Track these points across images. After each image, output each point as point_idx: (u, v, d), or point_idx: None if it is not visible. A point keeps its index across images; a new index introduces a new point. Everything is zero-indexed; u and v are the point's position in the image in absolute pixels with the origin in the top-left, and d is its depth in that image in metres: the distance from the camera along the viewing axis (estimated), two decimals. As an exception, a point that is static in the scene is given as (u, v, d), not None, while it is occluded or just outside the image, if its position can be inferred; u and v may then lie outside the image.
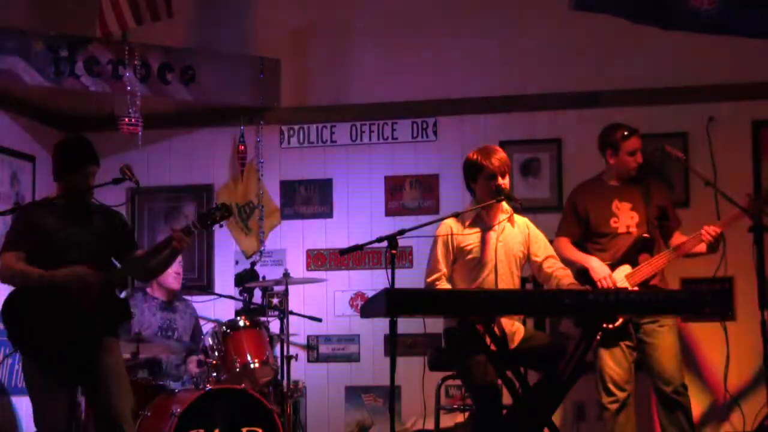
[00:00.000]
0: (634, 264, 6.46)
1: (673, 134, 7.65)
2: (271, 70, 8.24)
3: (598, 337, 5.51)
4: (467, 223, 5.97)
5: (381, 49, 8.19)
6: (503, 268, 5.92)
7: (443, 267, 5.93)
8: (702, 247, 6.51)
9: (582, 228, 6.66)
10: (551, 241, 6.41)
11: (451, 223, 5.97)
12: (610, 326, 6.18)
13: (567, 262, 6.49)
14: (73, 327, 5.48)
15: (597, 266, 6.43)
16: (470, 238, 5.95)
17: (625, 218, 6.58)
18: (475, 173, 5.96)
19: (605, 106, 7.65)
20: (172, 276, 7.50)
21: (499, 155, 5.92)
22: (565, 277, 5.92)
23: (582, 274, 6.43)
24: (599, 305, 5.13)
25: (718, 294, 7.33)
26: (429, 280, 5.93)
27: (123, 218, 5.99)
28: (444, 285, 5.89)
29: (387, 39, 8.18)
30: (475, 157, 5.96)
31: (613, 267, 6.45)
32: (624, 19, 7.25)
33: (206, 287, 8.20)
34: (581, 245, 6.64)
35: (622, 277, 6.42)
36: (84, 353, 5.53)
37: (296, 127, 8.30)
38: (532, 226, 6.12)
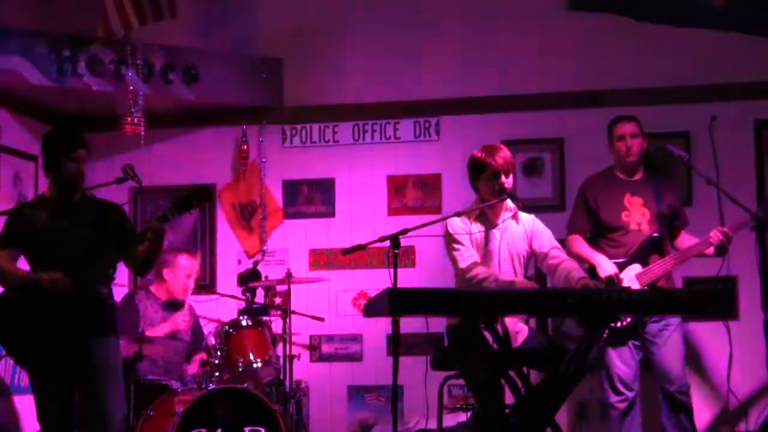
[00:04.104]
0: (644, 263, 6.46)
1: (675, 134, 7.65)
2: (274, 69, 8.24)
3: (605, 336, 5.51)
4: (471, 221, 5.95)
5: (383, 49, 8.19)
6: (507, 266, 5.91)
7: (473, 252, 5.88)
8: (710, 250, 6.51)
9: (593, 222, 6.66)
10: (562, 239, 6.41)
11: (457, 220, 5.94)
12: (618, 325, 6.21)
13: (577, 259, 6.48)
14: (55, 327, 5.48)
15: (605, 265, 6.43)
16: (475, 236, 5.93)
17: (637, 214, 6.58)
18: (478, 171, 5.94)
19: (608, 106, 7.63)
20: (182, 289, 7.51)
21: (503, 154, 5.90)
22: (574, 270, 5.83)
23: (590, 272, 6.42)
24: (602, 305, 5.12)
25: (722, 293, 7.33)
26: (466, 265, 5.79)
27: (118, 210, 5.92)
28: (484, 269, 5.83)
29: (389, 39, 8.18)
30: (479, 155, 5.95)
31: (623, 265, 6.45)
32: (625, 19, 7.26)
33: (209, 287, 8.20)
34: (593, 241, 6.64)
35: (632, 276, 6.42)
36: (71, 351, 5.53)
37: (299, 127, 8.30)
38: (537, 221, 6.06)
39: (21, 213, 5.78)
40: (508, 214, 5.97)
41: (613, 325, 6.13)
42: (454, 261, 5.90)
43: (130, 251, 5.71)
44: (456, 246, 5.87)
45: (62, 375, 5.58)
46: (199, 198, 5.70)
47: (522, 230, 6.00)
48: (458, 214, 5.92)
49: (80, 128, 8.18)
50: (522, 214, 6.05)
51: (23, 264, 5.75)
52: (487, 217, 5.96)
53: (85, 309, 5.57)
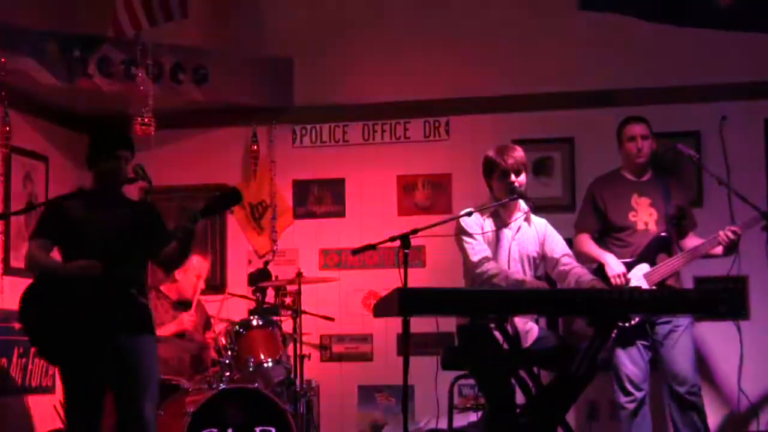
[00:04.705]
0: (652, 263, 6.45)
1: (685, 133, 7.64)
2: (284, 69, 8.26)
3: (614, 336, 5.50)
4: (483, 219, 5.96)
5: (393, 49, 8.19)
6: (516, 266, 5.91)
7: (484, 246, 5.89)
8: (719, 250, 6.50)
9: (600, 221, 6.66)
10: (570, 238, 6.42)
11: (470, 217, 5.93)
12: (627, 325, 6.20)
13: (585, 258, 6.49)
14: (86, 324, 5.46)
15: (613, 263, 6.43)
16: (487, 234, 5.93)
17: (644, 214, 6.57)
18: (491, 171, 5.97)
19: (618, 105, 7.63)
20: (192, 289, 7.49)
21: (515, 154, 5.92)
22: (585, 275, 5.86)
23: (598, 271, 6.42)
24: (612, 304, 5.12)
25: (732, 293, 7.32)
26: (477, 259, 5.81)
27: (153, 209, 5.91)
28: (495, 265, 5.83)
29: (399, 39, 8.18)
30: (491, 154, 5.98)
31: (631, 265, 6.44)
32: (634, 19, 7.26)
33: (219, 287, 8.21)
34: (600, 241, 6.64)
35: (640, 275, 6.41)
36: (104, 349, 5.49)
37: (309, 127, 8.31)
38: (549, 226, 6.09)
39: (56, 205, 5.77)
40: (521, 215, 5.98)
41: (621, 324, 6.13)
42: (465, 254, 5.90)
43: (159, 250, 5.67)
44: (468, 240, 5.88)
45: (94, 374, 5.54)
46: (231, 200, 5.70)
47: (534, 233, 6.01)
48: (469, 213, 5.92)
49: (90, 129, 8.26)
50: (534, 218, 6.06)
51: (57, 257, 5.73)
52: (499, 216, 5.97)
53: (118, 306, 5.54)
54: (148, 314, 5.76)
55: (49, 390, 7.60)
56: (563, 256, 5.97)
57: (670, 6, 7.33)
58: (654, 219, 6.56)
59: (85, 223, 5.61)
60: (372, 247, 5.71)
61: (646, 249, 6.49)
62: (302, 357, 7.27)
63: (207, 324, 7.71)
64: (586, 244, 6.63)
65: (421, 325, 7.01)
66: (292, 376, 7.21)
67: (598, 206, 6.68)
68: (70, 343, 5.49)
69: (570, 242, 6.48)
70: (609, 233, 6.65)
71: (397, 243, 5.49)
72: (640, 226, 6.56)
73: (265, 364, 6.97)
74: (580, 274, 5.86)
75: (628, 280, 6.38)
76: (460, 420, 7.12)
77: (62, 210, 5.69)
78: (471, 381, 6.82)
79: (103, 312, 5.50)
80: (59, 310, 5.47)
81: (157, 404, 5.81)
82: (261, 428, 6.64)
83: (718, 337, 7.38)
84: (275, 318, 7.44)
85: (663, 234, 6.51)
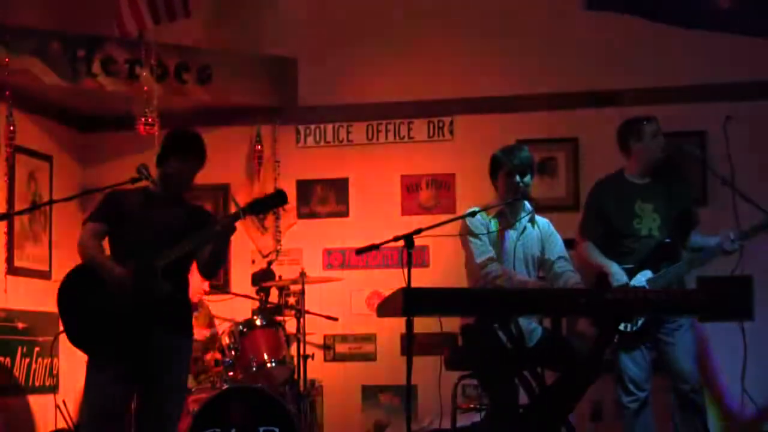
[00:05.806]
0: (655, 269, 6.42)
1: (690, 133, 7.63)
2: (288, 69, 8.25)
3: (618, 339, 5.49)
4: (489, 219, 5.96)
5: (397, 49, 8.18)
6: (521, 267, 5.91)
7: (489, 247, 5.89)
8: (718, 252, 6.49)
9: (604, 228, 6.62)
10: (573, 242, 6.40)
11: (476, 216, 5.93)
12: (629, 329, 6.20)
13: (588, 266, 6.46)
14: (118, 314, 5.31)
15: (616, 272, 6.39)
16: (492, 234, 5.93)
17: (648, 220, 6.53)
18: (496, 170, 5.99)
19: (622, 105, 7.62)
20: (196, 292, 7.43)
21: (521, 154, 5.93)
22: (572, 278, 5.91)
23: (602, 278, 6.39)
24: (616, 305, 5.10)
25: (736, 294, 7.28)
26: (482, 260, 5.83)
27: (207, 214, 5.80)
28: (499, 266, 5.83)
29: (403, 38, 8.18)
30: (497, 154, 5.99)
31: (635, 272, 6.42)
32: (641, 19, 7.26)
33: (223, 286, 8.20)
34: (604, 247, 6.60)
35: (643, 281, 6.38)
36: (132, 343, 5.34)
37: (312, 127, 8.31)
38: (552, 227, 6.11)
39: (114, 195, 5.69)
40: (526, 216, 5.98)
41: (624, 327, 6.14)
42: (469, 255, 5.91)
43: (197, 246, 5.51)
44: (473, 240, 5.88)
45: (121, 370, 5.37)
46: (275, 201, 5.66)
47: (537, 233, 6.02)
48: (474, 212, 5.91)
49: (94, 128, 8.29)
50: (538, 218, 6.07)
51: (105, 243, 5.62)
52: (504, 217, 5.97)
53: (157, 304, 5.38)
54: (186, 313, 5.66)
55: (52, 389, 7.60)
56: (559, 258, 6.00)
57: (675, 7, 7.32)
58: (657, 224, 6.53)
59: (137, 219, 5.53)
60: (375, 247, 5.70)
61: (649, 255, 6.46)
62: (305, 357, 7.27)
63: (210, 325, 7.69)
64: (589, 252, 6.58)
65: (424, 325, 7.00)
66: (296, 376, 7.21)
67: (602, 212, 6.62)
68: (100, 334, 5.36)
69: (572, 243, 6.46)
70: (613, 239, 6.60)
71: (401, 243, 5.48)
72: (645, 232, 6.53)
73: (269, 364, 6.97)
74: (569, 277, 5.92)
75: None
76: (464, 420, 7.10)
77: (121, 201, 5.61)
78: (474, 381, 6.81)
79: (138, 306, 5.35)
80: (95, 299, 5.36)
81: (179, 416, 5.64)
82: (264, 428, 6.63)
83: (721, 338, 7.35)
84: (278, 318, 7.44)
85: (667, 240, 6.48)
